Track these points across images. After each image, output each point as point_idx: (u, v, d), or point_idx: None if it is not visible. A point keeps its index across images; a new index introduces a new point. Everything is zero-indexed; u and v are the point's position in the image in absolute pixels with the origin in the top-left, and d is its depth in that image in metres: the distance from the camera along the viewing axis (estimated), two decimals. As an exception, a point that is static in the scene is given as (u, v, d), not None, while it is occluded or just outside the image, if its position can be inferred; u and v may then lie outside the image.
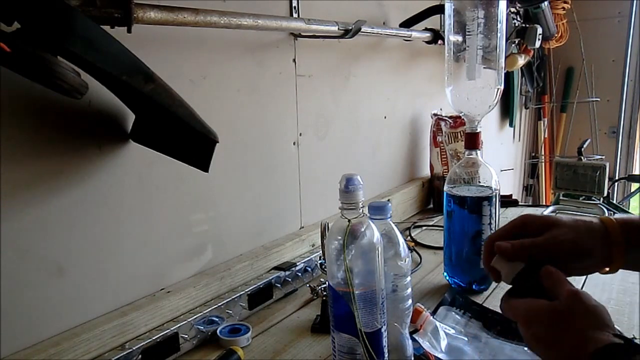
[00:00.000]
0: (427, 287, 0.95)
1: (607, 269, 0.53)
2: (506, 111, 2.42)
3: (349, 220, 0.57)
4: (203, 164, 0.64)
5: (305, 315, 0.85)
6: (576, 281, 0.91)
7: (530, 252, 0.53)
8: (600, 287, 0.90)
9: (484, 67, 0.88)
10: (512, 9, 1.86)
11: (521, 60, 2.00)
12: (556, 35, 2.34)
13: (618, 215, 0.54)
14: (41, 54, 0.49)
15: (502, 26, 0.88)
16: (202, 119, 0.63)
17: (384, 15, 1.28)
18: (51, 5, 0.49)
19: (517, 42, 1.92)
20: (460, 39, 0.89)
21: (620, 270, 0.54)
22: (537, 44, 1.84)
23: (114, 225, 0.71)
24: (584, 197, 2.42)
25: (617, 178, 2.62)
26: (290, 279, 0.92)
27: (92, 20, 0.53)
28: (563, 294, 0.47)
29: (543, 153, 2.87)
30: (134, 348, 0.67)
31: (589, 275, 0.94)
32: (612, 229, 0.52)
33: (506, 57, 1.79)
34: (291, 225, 1.04)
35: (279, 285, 0.90)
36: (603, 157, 2.42)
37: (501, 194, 0.93)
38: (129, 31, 0.59)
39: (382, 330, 0.59)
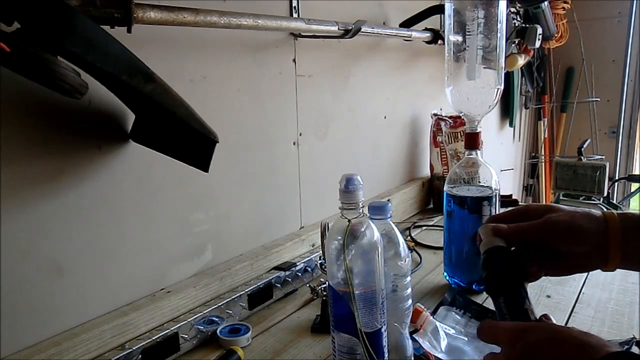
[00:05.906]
0: (427, 287, 0.95)
1: (607, 263, 0.52)
2: (506, 111, 2.42)
3: (349, 220, 0.57)
4: (203, 164, 0.64)
5: (305, 315, 0.85)
6: (576, 281, 0.92)
7: (526, 234, 0.53)
8: (600, 287, 0.91)
9: (484, 67, 0.88)
10: (512, 9, 1.86)
11: (521, 60, 2.00)
12: (556, 35, 2.34)
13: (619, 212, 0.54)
14: (41, 54, 0.49)
15: (502, 26, 0.88)
16: (202, 119, 0.63)
17: (384, 15, 1.28)
18: (51, 5, 0.49)
19: (517, 42, 1.92)
20: (460, 39, 0.89)
21: (620, 270, 0.53)
22: (537, 44, 1.83)
23: (114, 225, 0.71)
24: (584, 197, 2.42)
25: (617, 178, 2.62)
26: (290, 279, 0.92)
27: (92, 20, 0.53)
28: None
29: (543, 153, 2.87)
30: (134, 348, 0.67)
31: (589, 276, 0.94)
32: (610, 218, 0.52)
33: (506, 57, 1.79)
34: (291, 225, 1.04)
35: (279, 285, 0.90)
36: (603, 157, 2.42)
37: (501, 194, 0.93)
38: (129, 31, 0.59)
39: (382, 330, 0.59)
